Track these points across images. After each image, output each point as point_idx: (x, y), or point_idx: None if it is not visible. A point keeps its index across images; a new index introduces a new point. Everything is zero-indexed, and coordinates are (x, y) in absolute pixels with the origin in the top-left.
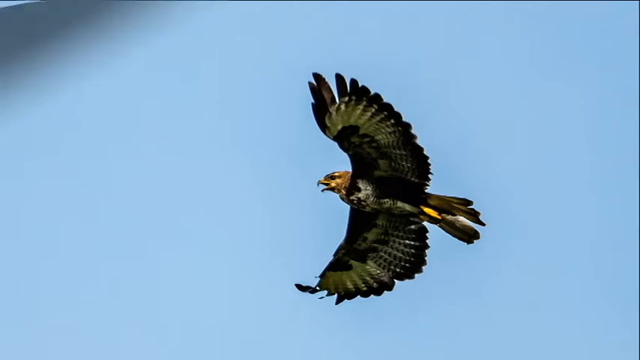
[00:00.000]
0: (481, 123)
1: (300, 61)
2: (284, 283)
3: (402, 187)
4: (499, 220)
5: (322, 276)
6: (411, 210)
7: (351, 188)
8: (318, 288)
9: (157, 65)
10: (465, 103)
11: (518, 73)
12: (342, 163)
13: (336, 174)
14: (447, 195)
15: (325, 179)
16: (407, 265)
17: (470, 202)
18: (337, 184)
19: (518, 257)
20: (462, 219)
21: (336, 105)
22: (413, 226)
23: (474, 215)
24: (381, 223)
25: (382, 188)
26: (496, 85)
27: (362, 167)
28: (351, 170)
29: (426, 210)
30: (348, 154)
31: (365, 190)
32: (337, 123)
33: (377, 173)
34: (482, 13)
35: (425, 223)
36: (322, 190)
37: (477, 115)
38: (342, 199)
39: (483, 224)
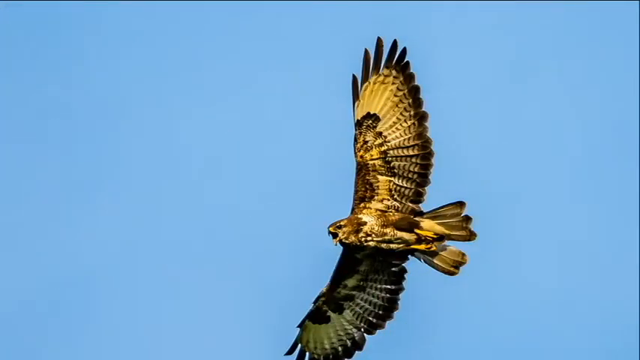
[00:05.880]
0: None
1: None
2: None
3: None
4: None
5: (301, 326)
6: (409, 238)
7: (358, 226)
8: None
9: None
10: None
11: (516, 74)
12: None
13: (342, 222)
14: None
15: (333, 228)
16: (380, 312)
17: (462, 204)
18: (345, 233)
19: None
20: (452, 246)
21: (378, 75)
22: (394, 269)
23: (465, 230)
24: (362, 269)
25: (383, 218)
26: (487, 89)
27: (365, 192)
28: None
29: (422, 233)
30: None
31: (370, 223)
32: (364, 104)
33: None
34: (477, 13)
35: (405, 265)
36: (335, 244)
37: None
38: (352, 242)
39: (475, 235)
